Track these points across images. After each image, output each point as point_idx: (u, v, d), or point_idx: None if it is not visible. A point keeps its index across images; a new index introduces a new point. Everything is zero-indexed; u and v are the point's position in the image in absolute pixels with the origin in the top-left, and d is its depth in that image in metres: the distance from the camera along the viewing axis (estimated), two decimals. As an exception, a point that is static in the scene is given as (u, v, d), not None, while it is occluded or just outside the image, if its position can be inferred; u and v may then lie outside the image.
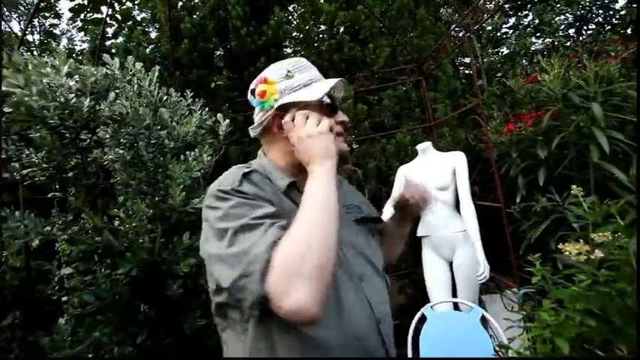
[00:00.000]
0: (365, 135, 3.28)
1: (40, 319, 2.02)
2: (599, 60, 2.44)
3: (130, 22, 4.00)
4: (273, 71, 0.90)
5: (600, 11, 6.53)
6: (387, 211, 2.68)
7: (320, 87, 0.86)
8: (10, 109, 1.61)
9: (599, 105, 2.13)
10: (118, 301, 1.86)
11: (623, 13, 6.43)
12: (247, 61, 3.01)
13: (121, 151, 2.03)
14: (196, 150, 2.09)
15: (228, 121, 2.28)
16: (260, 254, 0.66)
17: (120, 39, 3.52)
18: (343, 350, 0.72)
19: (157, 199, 2.03)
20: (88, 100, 1.70)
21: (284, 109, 0.86)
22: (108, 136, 1.99)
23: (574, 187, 0.93)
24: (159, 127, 2.15)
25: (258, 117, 0.91)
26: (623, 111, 2.28)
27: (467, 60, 5.19)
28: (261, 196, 0.77)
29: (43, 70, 1.61)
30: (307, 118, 0.84)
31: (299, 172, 0.86)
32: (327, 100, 0.87)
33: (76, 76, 1.76)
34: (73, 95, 1.64)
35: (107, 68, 1.94)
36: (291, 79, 0.88)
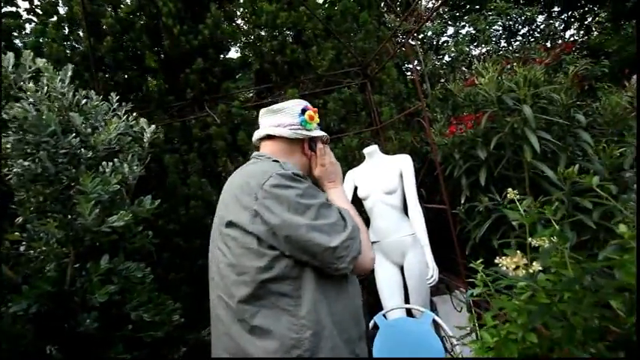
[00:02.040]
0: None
1: None
2: (526, 65, 2.58)
3: (55, 19, 3.55)
4: (293, 106, 1.15)
5: (525, 25, 7.19)
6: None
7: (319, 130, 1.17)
8: None
9: (529, 107, 2.23)
10: (19, 343, 1.54)
11: (542, 27, 7.14)
12: (182, 62, 2.78)
13: (26, 163, 1.72)
14: (115, 160, 1.83)
15: (153, 127, 2.04)
16: (355, 225, 0.95)
17: (29, 37, 3.08)
18: (357, 315, 0.97)
19: (69, 217, 1.75)
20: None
21: (313, 138, 1.15)
22: (9, 146, 1.68)
23: (510, 190, 0.90)
24: (73, 134, 1.86)
25: (291, 129, 1.10)
26: (548, 112, 2.42)
27: (411, 65, 5.35)
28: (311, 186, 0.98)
29: None
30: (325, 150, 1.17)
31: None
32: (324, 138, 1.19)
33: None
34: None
35: (-2, 65, 1.63)
36: (296, 118, 1.13)
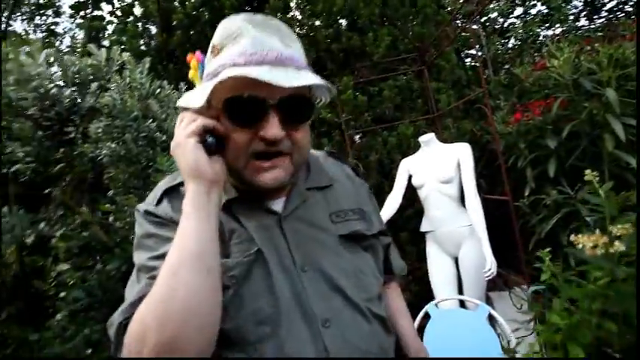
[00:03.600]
0: (366, 127, 3.18)
1: (37, 316, 1.99)
2: (612, 44, 2.30)
3: (132, 19, 3.96)
4: (212, 42, 0.65)
5: (612, -3, 6.31)
6: (388, 206, 2.58)
7: (212, 84, 0.57)
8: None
9: (614, 90, 2.00)
10: (110, 297, 1.80)
11: (635, -1, 6.20)
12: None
13: (114, 145, 1.97)
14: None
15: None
16: (122, 311, 0.58)
17: (114, 35, 3.47)
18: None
19: (147, 193, 1.97)
20: (69, 90, 1.62)
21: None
22: (100, 130, 1.93)
23: (588, 171, 0.82)
24: (150, 119, 2.08)
25: None
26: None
27: (472, 52, 5.05)
28: (175, 220, 0.60)
29: (23, 59, 1.54)
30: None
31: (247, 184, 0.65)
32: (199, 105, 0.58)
33: (56, 66, 1.69)
34: (52, 85, 1.57)
35: (92, 59, 1.86)
36: (216, 58, 0.61)
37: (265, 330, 0.60)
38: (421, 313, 1.95)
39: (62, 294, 2.09)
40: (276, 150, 0.60)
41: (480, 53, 4.78)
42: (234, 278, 0.61)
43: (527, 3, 6.50)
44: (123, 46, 2.87)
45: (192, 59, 0.70)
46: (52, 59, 1.66)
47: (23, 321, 2.18)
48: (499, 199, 2.51)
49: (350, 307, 0.66)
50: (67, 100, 1.63)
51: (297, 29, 3.39)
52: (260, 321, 0.60)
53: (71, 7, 7.05)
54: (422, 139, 2.58)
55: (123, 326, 0.55)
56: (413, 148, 2.94)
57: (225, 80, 0.55)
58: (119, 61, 2.01)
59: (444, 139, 3.04)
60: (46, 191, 1.84)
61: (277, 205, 0.70)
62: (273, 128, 0.57)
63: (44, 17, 7.20)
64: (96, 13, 5.41)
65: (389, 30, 3.19)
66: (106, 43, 3.57)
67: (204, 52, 0.69)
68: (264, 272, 0.62)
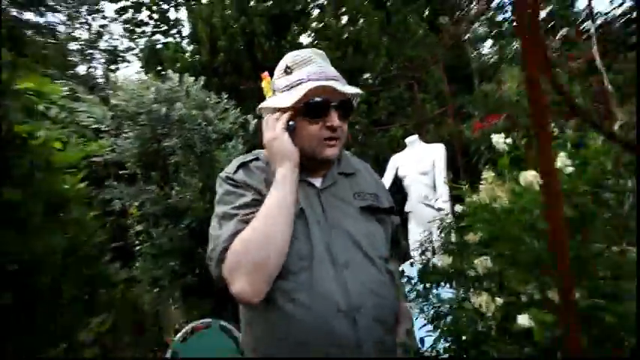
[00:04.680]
0: (365, 129, 3.99)
1: (124, 260, 2.86)
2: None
3: (171, 23, 4.78)
4: (279, 65, 0.93)
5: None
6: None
7: (298, 91, 0.84)
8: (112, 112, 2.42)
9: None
10: (179, 246, 2.66)
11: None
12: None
13: (176, 140, 2.82)
14: (233, 140, 2.86)
15: (256, 120, 3.04)
16: (220, 243, 0.81)
17: (167, 51, 4.34)
18: (309, 330, 0.78)
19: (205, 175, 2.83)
20: (165, 108, 2.48)
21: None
22: (175, 132, 2.78)
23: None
24: (205, 123, 2.93)
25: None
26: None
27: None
28: (248, 184, 0.87)
29: (142, 89, 2.41)
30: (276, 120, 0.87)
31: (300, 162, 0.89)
32: (290, 105, 0.85)
33: (152, 88, 2.54)
34: (154, 104, 2.42)
35: (170, 82, 2.71)
36: (289, 76, 0.89)
37: (303, 264, 0.81)
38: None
39: (137, 247, 2.96)
40: (336, 135, 0.88)
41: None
42: None
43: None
44: (178, 63, 3.73)
45: (266, 77, 0.98)
46: (149, 83, 2.51)
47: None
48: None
49: (366, 258, 0.86)
50: (163, 113, 2.48)
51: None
52: (300, 257, 0.82)
53: (116, 11, 7.94)
54: (407, 139, 3.37)
55: (224, 250, 0.79)
56: (401, 146, 3.73)
57: (300, 88, 0.84)
58: (186, 84, 2.86)
59: (426, 140, 3.82)
60: (134, 171, 2.71)
61: (317, 182, 0.93)
62: (334, 119, 0.85)
63: (91, 16, 8.08)
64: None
65: (386, 51, 3.97)
66: (163, 54, 4.45)
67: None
68: (304, 225, 0.85)
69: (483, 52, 5.52)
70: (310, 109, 0.86)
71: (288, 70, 0.89)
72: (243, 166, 0.93)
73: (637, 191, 0.86)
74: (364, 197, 0.95)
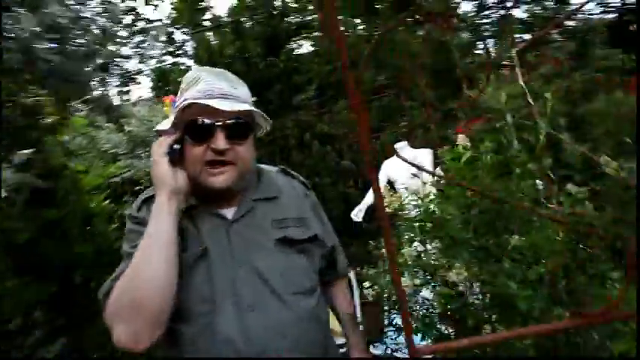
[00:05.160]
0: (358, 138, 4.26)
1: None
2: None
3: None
4: (180, 87, 0.88)
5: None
6: (370, 195, 3.64)
7: (178, 113, 0.81)
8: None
9: (511, 117, 2.98)
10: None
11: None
12: (266, 87, 4.08)
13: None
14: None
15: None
16: (106, 285, 0.79)
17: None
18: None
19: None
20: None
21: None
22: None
23: None
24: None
25: None
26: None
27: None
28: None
29: (150, 115, 2.75)
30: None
31: (204, 193, 0.85)
32: (166, 129, 0.83)
33: (160, 113, 2.90)
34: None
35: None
36: (182, 95, 0.85)
37: (204, 308, 0.79)
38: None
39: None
40: (223, 159, 0.80)
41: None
42: (186, 268, 0.79)
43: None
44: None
45: (167, 99, 0.93)
46: (157, 109, 2.85)
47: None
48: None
49: (275, 297, 0.81)
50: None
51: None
52: (201, 301, 0.79)
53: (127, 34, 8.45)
54: (397, 145, 3.64)
55: (107, 294, 0.76)
56: (391, 152, 3.99)
57: (187, 110, 0.79)
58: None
59: (414, 146, 4.08)
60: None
61: (229, 212, 0.87)
62: (219, 141, 0.78)
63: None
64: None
65: (376, 62, 4.25)
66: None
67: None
68: (207, 265, 0.81)
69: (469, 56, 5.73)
70: (191, 130, 0.81)
71: (182, 91, 0.86)
72: (146, 201, 0.89)
73: (637, 191, 0.85)
74: (285, 224, 0.89)
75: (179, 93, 0.87)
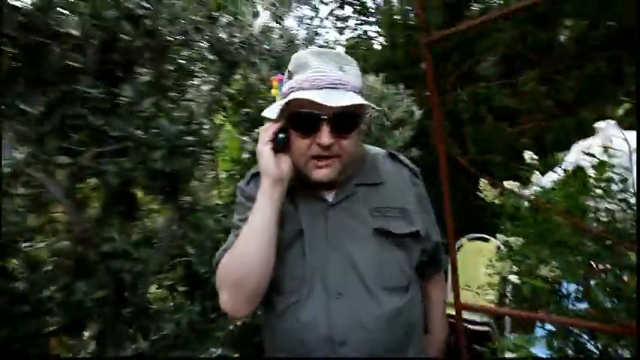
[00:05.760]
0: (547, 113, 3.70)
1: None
2: None
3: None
4: (288, 68, 0.85)
5: None
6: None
7: (292, 98, 0.78)
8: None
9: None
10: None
11: None
12: (443, 58, 4.01)
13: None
14: (400, 129, 3.40)
15: (421, 110, 3.46)
16: (218, 254, 0.87)
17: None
18: (295, 352, 0.80)
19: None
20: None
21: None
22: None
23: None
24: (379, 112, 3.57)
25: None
26: None
27: None
28: (255, 196, 0.83)
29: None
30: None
31: (307, 180, 0.85)
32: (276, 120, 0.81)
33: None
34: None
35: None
36: (289, 81, 0.83)
37: (294, 286, 0.82)
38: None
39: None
40: (328, 153, 0.80)
41: None
42: (283, 246, 0.83)
43: None
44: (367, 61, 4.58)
45: (274, 80, 0.89)
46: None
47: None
48: None
49: (364, 288, 0.80)
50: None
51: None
52: (292, 279, 0.83)
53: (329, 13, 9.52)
54: (598, 124, 3.01)
55: (217, 263, 0.85)
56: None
57: (293, 100, 0.76)
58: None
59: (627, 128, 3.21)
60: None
61: (329, 195, 0.88)
62: (324, 136, 0.77)
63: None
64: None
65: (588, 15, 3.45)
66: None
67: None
68: (302, 245, 0.83)
69: None
70: (297, 122, 0.81)
71: (289, 75, 0.84)
72: (254, 177, 0.93)
73: (637, 190, 0.83)
74: (385, 213, 0.87)
75: (286, 75, 0.86)
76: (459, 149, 3.95)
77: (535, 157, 1.17)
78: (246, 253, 0.80)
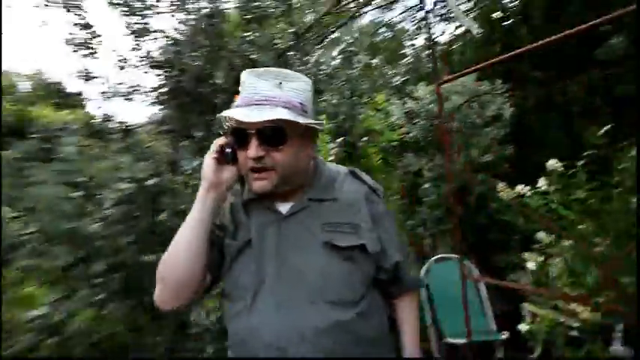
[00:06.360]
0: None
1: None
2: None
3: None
4: None
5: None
6: None
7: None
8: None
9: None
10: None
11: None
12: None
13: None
14: (491, 126, 3.44)
15: (512, 108, 3.43)
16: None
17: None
18: (247, 355, 0.85)
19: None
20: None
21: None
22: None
23: None
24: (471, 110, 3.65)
25: None
26: None
27: None
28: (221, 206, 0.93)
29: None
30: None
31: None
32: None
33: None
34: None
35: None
36: (237, 99, 0.89)
37: (243, 294, 0.86)
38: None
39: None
40: (260, 166, 0.83)
41: None
42: (233, 255, 0.89)
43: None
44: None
45: (236, 97, 0.95)
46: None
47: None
48: None
49: (307, 301, 0.82)
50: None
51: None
52: (241, 287, 0.87)
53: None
54: None
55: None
56: None
57: (230, 116, 0.84)
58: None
59: None
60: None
61: (284, 207, 0.91)
62: (251, 149, 0.82)
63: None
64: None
65: None
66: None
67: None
68: (249, 255, 0.87)
69: None
70: (234, 137, 0.87)
71: (239, 90, 0.90)
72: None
73: (637, 190, 0.82)
74: (337, 229, 0.88)
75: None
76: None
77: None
78: (172, 251, 0.87)
